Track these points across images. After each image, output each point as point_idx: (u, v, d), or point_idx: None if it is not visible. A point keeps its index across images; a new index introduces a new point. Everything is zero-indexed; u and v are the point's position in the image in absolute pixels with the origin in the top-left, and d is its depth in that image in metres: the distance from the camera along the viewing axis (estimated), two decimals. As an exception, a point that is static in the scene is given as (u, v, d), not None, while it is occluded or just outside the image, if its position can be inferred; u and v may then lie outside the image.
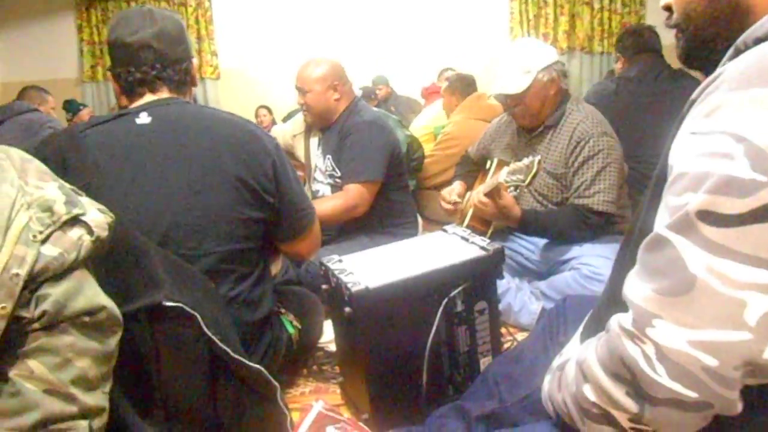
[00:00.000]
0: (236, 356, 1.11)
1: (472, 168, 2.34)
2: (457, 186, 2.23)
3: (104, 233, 0.84)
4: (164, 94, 1.31)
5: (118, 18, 1.32)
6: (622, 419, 0.65)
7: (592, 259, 1.83)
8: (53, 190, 0.81)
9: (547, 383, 0.84)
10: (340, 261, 1.35)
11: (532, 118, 1.97)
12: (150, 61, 1.28)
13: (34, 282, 0.74)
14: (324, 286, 1.36)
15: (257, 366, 1.16)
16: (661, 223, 0.62)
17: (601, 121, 1.91)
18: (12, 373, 0.74)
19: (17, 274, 0.72)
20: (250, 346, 1.34)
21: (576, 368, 0.72)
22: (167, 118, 1.26)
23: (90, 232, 0.81)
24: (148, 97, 1.30)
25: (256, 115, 6.16)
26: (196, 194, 1.24)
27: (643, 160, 2.38)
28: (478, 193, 1.92)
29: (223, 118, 1.32)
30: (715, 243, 0.56)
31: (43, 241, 0.75)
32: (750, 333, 0.56)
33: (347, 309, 1.21)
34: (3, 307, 0.71)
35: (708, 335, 0.57)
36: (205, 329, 1.05)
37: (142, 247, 1.05)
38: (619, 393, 0.63)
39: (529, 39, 2.04)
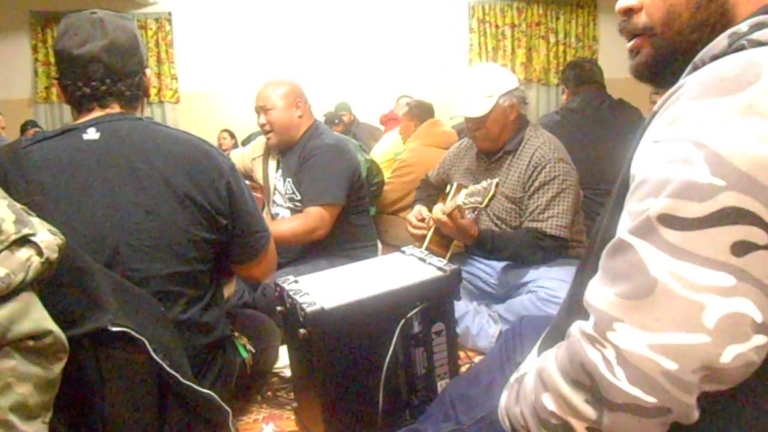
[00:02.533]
0: (186, 381, 1.07)
1: (431, 192, 2.36)
2: (421, 209, 2.24)
3: (54, 255, 0.82)
4: (115, 109, 1.26)
5: (66, 25, 1.23)
6: (580, 428, 0.64)
7: (549, 282, 1.85)
8: (2, 208, 0.79)
9: (505, 398, 0.83)
10: (296, 282, 1.33)
11: (491, 143, 2.00)
12: (99, 76, 1.22)
13: None
14: (279, 308, 1.34)
15: (208, 391, 1.12)
16: (623, 228, 0.63)
17: (558, 148, 1.96)
18: None
19: None
20: (201, 371, 1.30)
21: (536, 377, 0.71)
22: (117, 134, 1.21)
23: (39, 253, 0.79)
24: (98, 112, 1.25)
25: (218, 139, 6.11)
26: (146, 214, 1.20)
27: (589, 187, 2.45)
28: (438, 210, 1.94)
29: (176, 136, 1.28)
30: (675, 246, 0.57)
31: None
32: (708, 336, 0.56)
33: (302, 330, 1.19)
34: None
35: (667, 338, 0.57)
36: (153, 354, 1.01)
37: (87, 269, 1.01)
38: (578, 400, 0.63)
39: (492, 64, 2.10)
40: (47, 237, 0.82)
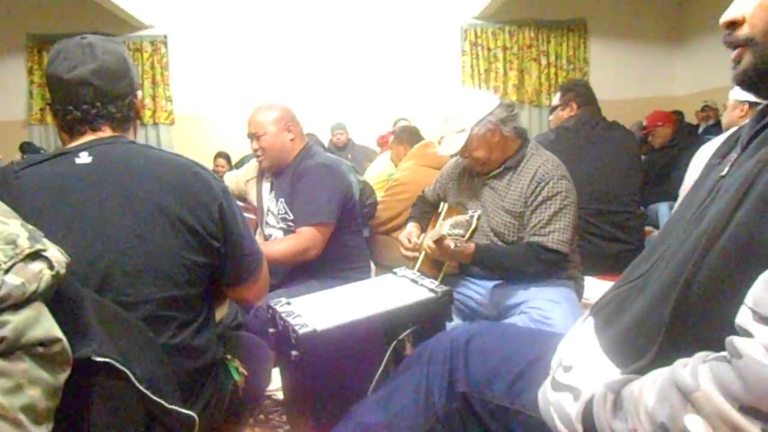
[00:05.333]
0: (171, 407, 1.06)
1: (426, 209, 2.37)
2: (413, 229, 2.24)
3: (63, 270, 0.87)
4: (106, 132, 1.26)
5: (56, 51, 1.25)
6: None
7: (541, 303, 1.85)
8: (16, 226, 0.86)
9: (579, 405, 0.76)
10: (288, 304, 1.33)
11: (483, 166, 2.05)
12: (89, 99, 1.22)
13: None
14: (271, 330, 1.33)
15: (193, 414, 1.11)
16: None
17: (560, 165, 2.00)
18: None
19: None
20: (193, 394, 1.28)
21: (675, 395, 0.64)
22: (109, 158, 1.22)
23: (50, 266, 0.85)
24: (89, 136, 1.25)
25: (215, 165, 6.07)
26: (138, 238, 1.19)
27: (581, 206, 2.47)
28: (427, 239, 1.94)
29: (168, 159, 1.28)
30: None
31: (7, 271, 0.79)
32: None
33: (294, 352, 1.19)
34: None
35: None
36: (137, 384, 1.01)
37: (76, 296, 1.01)
38: (753, 428, 0.57)
39: (465, 93, 2.16)
40: (57, 253, 0.88)
